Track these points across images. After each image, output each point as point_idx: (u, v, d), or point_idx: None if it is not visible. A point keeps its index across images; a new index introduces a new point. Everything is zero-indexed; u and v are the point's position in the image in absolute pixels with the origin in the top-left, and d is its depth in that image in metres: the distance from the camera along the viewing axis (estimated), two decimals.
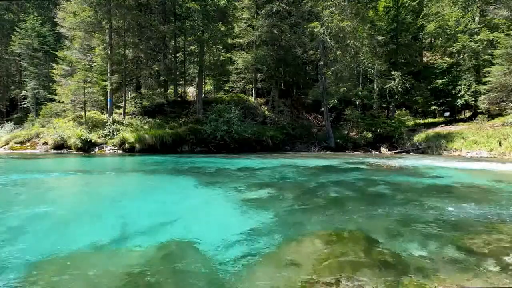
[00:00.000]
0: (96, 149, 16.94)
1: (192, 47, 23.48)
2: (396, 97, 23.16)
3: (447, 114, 23.36)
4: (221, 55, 24.51)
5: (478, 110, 20.89)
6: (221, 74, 25.26)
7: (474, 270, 2.92)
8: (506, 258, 3.18)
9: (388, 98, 23.31)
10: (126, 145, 16.83)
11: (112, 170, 10.95)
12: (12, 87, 32.45)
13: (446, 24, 22.14)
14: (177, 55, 23.45)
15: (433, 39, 28.41)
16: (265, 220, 4.58)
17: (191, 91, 26.88)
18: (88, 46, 20.91)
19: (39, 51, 27.94)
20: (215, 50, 23.62)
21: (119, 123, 18.60)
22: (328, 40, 19.66)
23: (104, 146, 17.19)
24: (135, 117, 20.49)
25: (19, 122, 25.26)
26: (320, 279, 2.75)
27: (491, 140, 15.98)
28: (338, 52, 19.83)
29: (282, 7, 22.51)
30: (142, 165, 12.48)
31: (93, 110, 21.35)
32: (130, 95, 23.14)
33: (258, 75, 25.22)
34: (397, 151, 19.33)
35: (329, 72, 20.88)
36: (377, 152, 19.53)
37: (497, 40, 18.64)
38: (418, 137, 19.70)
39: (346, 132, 22.63)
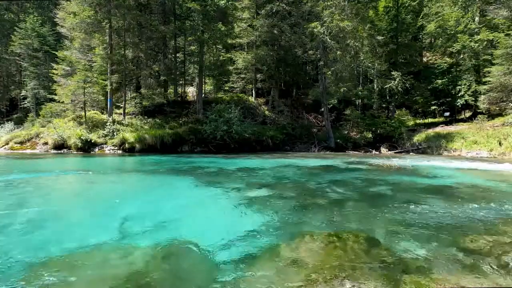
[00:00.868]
0: (96, 149, 16.94)
1: (192, 47, 23.49)
2: (396, 97, 23.16)
3: (447, 114, 23.36)
4: (221, 55, 24.52)
5: (478, 110, 20.90)
6: (221, 74, 25.27)
7: (474, 270, 2.92)
8: (506, 258, 3.18)
9: (388, 98, 23.32)
10: (126, 145, 16.83)
11: (112, 170, 10.95)
12: (12, 87, 32.45)
13: (446, 24, 22.15)
14: (177, 55, 23.46)
15: (433, 39, 28.43)
16: (265, 220, 4.58)
17: (191, 91, 26.88)
18: (88, 46, 20.91)
19: (39, 51, 27.95)
20: (215, 50, 23.64)
21: (119, 123, 18.60)
22: (328, 40, 19.67)
23: (104, 146, 17.19)
24: (135, 117, 20.49)
25: (19, 122, 25.26)
26: (320, 279, 2.75)
27: (491, 140, 15.98)
28: (338, 52, 19.84)
29: (282, 7, 22.50)
30: (142, 165, 12.48)
31: (93, 110, 21.36)
32: (130, 95, 23.14)
33: (258, 75, 25.22)
34: (397, 151, 19.33)
35: (329, 72, 20.89)
36: (377, 152, 19.53)
37: (497, 40, 18.64)
38: (418, 137, 19.70)
39: (346, 132, 22.63)
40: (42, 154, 15.80)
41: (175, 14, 22.46)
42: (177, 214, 5.15)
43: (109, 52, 19.05)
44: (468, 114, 23.31)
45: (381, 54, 23.40)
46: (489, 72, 18.67)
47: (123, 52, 19.74)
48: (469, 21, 21.16)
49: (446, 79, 22.76)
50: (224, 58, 24.76)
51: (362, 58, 22.65)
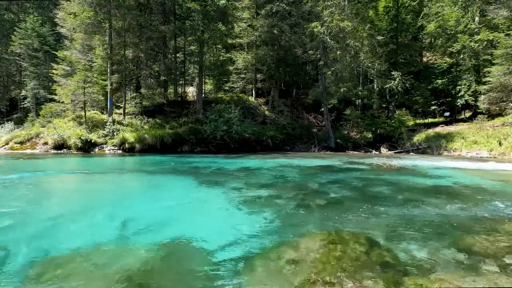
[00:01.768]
0: (96, 149, 16.94)
1: (192, 47, 23.49)
2: (396, 97, 23.16)
3: (447, 114, 23.36)
4: (221, 55, 24.52)
5: (478, 110, 20.89)
6: (221, 74, 25.27)
7: (474, 270, 2.92)
8: (506, 258, 3.18)
9: (388, 98, 23.31)
10: (126, 145, 16.83)
11: (112, 170, 10.95)
12: (12, 87, 32.45)
13: (446, 24, 22.15)
14: (177, 55, 23.46)
15: (433, 39, 28.42)
16: (265, 220, 4.58)
17: (191, 91, 26.87)
18: (88, 46, 20.92)
19: (39, 51, 27.96)
20: (215, 50, 23.63)
21: (119, 123, 18.60)
22: (328, 40, 19.66)
23: (104, 146, 17.19)
24: (135, 117, 20.49)
25: (19, 122, 25.26)
26: (320, 279, 2.75)
27: (491, 140, 15.97)
28: (338, 52, 19.83)
29: (282, 7, 22.50)
30: (142, 165, 12.49)
31: (93, 110, 21.35)
32: (130, 95, 23.14)
33: (258, 75, 25.22)
34: (397, 151, 19.33)
35: (329, 72, 20.89)
36: (377, 152, 19.53)
37: (497, 40, 18.64)
38: (418, 137, 19.69)
39: (346, 132, 22.63)
40: (42, 154, 15.79)
41: (175, 14, 22.46)
42: (177, 214, 5.15)
43: (109, 52, 19.04)
44: (468, 114, 23.31)
45: (381, 54, 23.40)
46: (489, 72, 18.67)
47: (123, 52, 19.74)
48: (469, 21, 21.16)
49: (446, 79, 22.76)
50: (224, 58, 24.77)
51: (362, 58, 22.64)
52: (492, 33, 19.42)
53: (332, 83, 21.58)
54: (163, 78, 23.43)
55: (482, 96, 19.59)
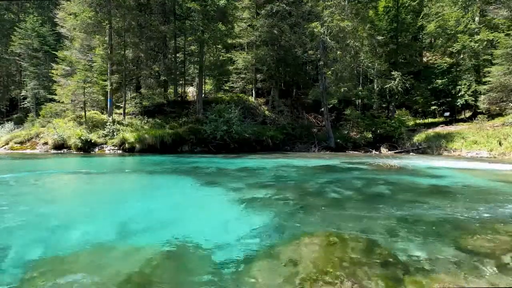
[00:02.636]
0: (96, 149, 16.94)
1: (192, 47, 23.49)
2: (396, 97, 23.16)
3: (447, 114, 23.36)
4: (221, 55, 24.52)
5: (478, 110, 20.90)
6: (221, 74, 25.28)
7: (474, 270, 2.92)
8: (506, 258, 3.18)
9: (388, 98, 23.31)
10: (126, 145, 16.84)
11: (112, 170, 10.95)
12: (12, 87, 32.46)
13: (446, 24, 22.16)
14: (177, 55, 23.46)
15: (433, 39, 28.43)
16: (265, 220, 4.58)
17: (191, 91, 26.88)
18: (88, 46, 20.93)
19: (39, 51, 27.96)
20: (215, 50, 23.64)
21: (119, 123, 18.60)
22: (328, 40, 19.67)
23: (104, 146, 17.19)
24: (135, 117, 20.50)
25: (19, 122, 25.26)
26: (320, 279, 2.75)
27: (491, 140, 15.98)
28: (338, 52, 19.84)
29: (282, 7, 22.51)
30: (142, 165, 12.49)
31: (93, 110, 21.37)
32: (130, 95, 23.16)
33: (258, 75, 25.22)
34: (397, 151, 19.33)
35: (329, 72, 20.89)
36: (377, 152, 19.53)
37: (497, 40, 18.64)
38: (418, 137, 19.70)
39: (346, 132, 22.63)
40: (42, 154, 15.80)
41: (175, 14, 22.47)
42: (177, 214, 5.15)
43: (109, 52, 19.05)
44: (468, 114, 23.31)
45: (381, 54, 23.40)
46: (489, 72, 18.68)
47: (123, 52, 19.75)
48: (469, 21, 21.16)
49: (446, 79, 22.76)
50: (224, 58, 24.77)
51: (362, 58, 22.65)
52: (492, 33, 19.43)
53: (332, 83, 21.58)
54: (163, 78, 23.44)
55: (482, 96, 19.60)
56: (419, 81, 24.53)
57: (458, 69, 22.26)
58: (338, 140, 20.95)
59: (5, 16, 34.25)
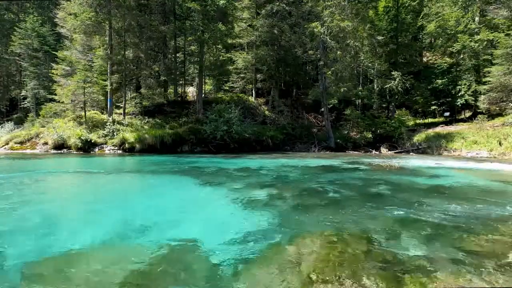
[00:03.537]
0: (96, 149, 16.94)
1: (192, 47, 23.49)
2: (396, 97, 23.16)
3: (447, 114, 23.36)
4: (221, 55, 24.51)
5: (478, 110, 20.89)
6: (221, 74, 25.27)
7: (474, 270, 2.92)
8: (506, 258, 3.18)
9: (388, 98, 23.31)
10: (126, 145, 16.83)
11: (112, 170, 10.94)
12: (12, 87, 32.45)
13: (446, 24, 22.15)
14: (177, 55, 23.46)
15: (433, 39, 28.42)
16: (265, 220, 4.58)
17: (191, 91, 26.88)
18: (88, 46, 20.92)
19: (39, 51, 27.95)
20: (215, 50, 23.63)
21: (119, 123, 18.59)
22: (328, 40, 19.67)
23: (104, 146, 17.19)
24: (135, 117, 20.49)
25: (19, 122, 25.26)
26: (320, 279, 2.76)
27: (491, 140, 15.97)
28: (338, 52, 19.83)
29: (282, 7, 22.50)
30: (142, 165, 12.49)
31: (93, 110, 21.36)
32: (130, 95, 23.14)
33: (258, 75, 25.22)
34: (397, 151, 19.33)
35: (329, 72, 20.88)
36: (377, 152, 19.53)
37: (497, 40, 18.64)
38: (418, 137, 19.69)
39: (346, 132, 22.63)
40: (42, 154, 15.80)
41: (175, 14, 22.46)
42: (177, 214, 5.15)
43: (109, 53, 19.04)
44: (468, 114, 23.30)
45: (381, 54, 23.40)
46: (489, 72, 18.67)
47: (123, 52, 19.74)
48: (469, 21, 21.15)
49: (446, 79, 22.75)
50: (224, 58, 24.76)
51: (362, 58, 22.65)
52: (492, 33, 19.42)
53: (332, 83, 21.57)
54: (163, 78, 23.43)
55: (482, 96, 19.59)
56: (419, 81, 24.53)
57: (458, 69, 22.26)
58: (338, 140, 20.95)
59: (5, 16, 34.24)
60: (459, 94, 21.69)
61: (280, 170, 10.55)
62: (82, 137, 16.69)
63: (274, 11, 22.51)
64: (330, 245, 3.59)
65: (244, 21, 25.42)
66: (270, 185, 7.65)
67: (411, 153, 18.34)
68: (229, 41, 23.88)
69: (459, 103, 21.92)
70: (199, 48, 21.85)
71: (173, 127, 19.04)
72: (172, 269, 3.05)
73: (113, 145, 17.07)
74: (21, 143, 18.21)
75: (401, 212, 4.96)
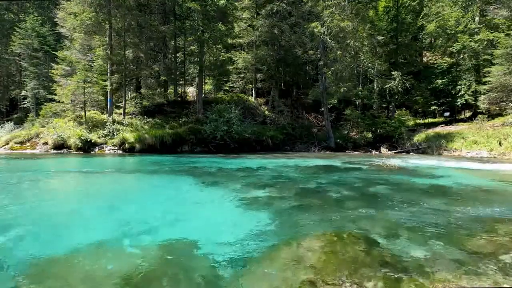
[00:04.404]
0: (96, 149, 16.94)
1: (192, 47, 23.48)
2: (396, 97, 23.16)
3: (447, 114, 23.36)
4: (221, 55, 24.52)
5: (478, 110, 20.90)
6: (221, 74, 25.27)
7: (474, 270, 2.92)
8: (506, 258, 3.18)
9: (388, 98, 23.31)
10: (126, 145, 16.83)
11: (112, 170, 10.94)
12: (12, 87, 32.44)
13: (446, 24, 22.15)
14: (177, 55, 23.46)
15: (433, 39, 28.43)
16: (265, 220, 4.58)
17: (191, 91, 26.88)
18: (88, 46, 20.92)
19: (39, 51, 27.94)
20: (215, 50, 23.62)
21: (119, 123, 18.59)
22: (328, 40, 19.66)
23: (104, 146, 17.18)
24: (135, 117, 20.49)
25: (19, 122, 25.25)
26: (320, 279, 2.75)
27: (491, 140, 15.98)
28: (338, 52, 19.82)
29: (282, 7, 22.51)
30: (142, 165, 12.49)
31: (93, 110, 21.35)
32: (130, 95, 23.14)
33: (258, 75, 25.22)
34: (397, 151, 19.33)
35: (329, 72, 20.88)
36: (377, 152, 19.53)
37: (497, 40, 18.64)
38: (418, 137, 19.69)
39: (346, 132, 22.63)
40: (42, 154, 15.80)
41: (175, 14, 22.46)
42: (177, 214, 5.15)
43: (109, 53, 19.04)
44: (468, 114, 23.30)
45: (381, 54, 23.39)
46: (489, 72, 18.67)
47: (123, 52, 19.73)
48: (469, 21, 21.16)
49: (446, 79, 22.76)
50: (224, 58, 24.76)
51: (362, 58, 22.64)
52: (492, 33, 19.42)
53: (332, 83, 21.57)
54: (163, 78, 23.43)
55: (482, 96, 19.59)
56: (419, 81, 24.53)
57: (458, 69, 22.26)
58: (338, 140, 20.95)
59: (5, 16, 34.23)
60: (459, 94, 21.70)
61: (280, 170, 10.55)
62: (82, 137, 16.69)
63: (274, 11, 22.52)
64: (330, 245, 3.59)
65: (244, 21, 25.41)
66: (270, 185, 7.65)
67: (411, 153, 18.34)
68: (229, 41, 23.88)
69: (459, 103, 21.93)
70: (199, 48, 21.85)
71: (173, 127, 19.04)
72: (172, 269, 3.05)
73: (113, 145, 17.07)
74: (21, 143, 18.21)
75: (401, 212, 4.95)
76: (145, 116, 20.43)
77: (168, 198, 6.48)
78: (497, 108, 19.71)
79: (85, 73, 18.26)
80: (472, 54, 20.75)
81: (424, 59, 30.02)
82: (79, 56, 20.73)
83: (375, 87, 24.23)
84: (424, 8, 25.29)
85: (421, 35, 28.08)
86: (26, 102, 28.34)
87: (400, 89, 21.96)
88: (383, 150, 19.82)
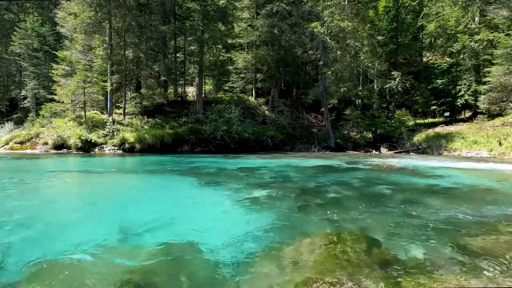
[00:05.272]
0: (96, 149, 16.93)
1: (192, 47, 23.48)
2: (396, 97, 23.16)
3: (447, 114, 23.36)
4: (221, 55, 24.52)
5: (478, 110, 20.90)
6: (221, 74, 25.26)
7: (474, 270, 2.92)
8: (505, 258, 3.18)
9: (388, 98, 23.32)
10: (126, 145, 16.83)
11: (112, 170, 10.94)
12: (12, 87, 32.44)
13: (446, 24, 22.15)
14: (177, 55, 23.46)
15: (433, 39, 28.44)
16: (265, 220, 4.58)
17: (191, 91, 26.88)
18: (88, 46, 20.91)
19: (39, 51, 27.93)
20: (215, 50, 23.63)
21: (119, 123, 18.59)
22: (328, 40, 19.66)
23: (104, 146, 17.18)
24: (135, 117, 20.49)
25: (19, 122, 25.25)
26: (320, 279, 2.75)
27: (491, 140, 15.98)
28: (338, 52, 19.82)
29: (282, 7, 22.51)
30: (142, 165, 12.48)
31: (93, 110, 21.35)
32: (130, 95, 23.15)
33: (258, 75, 25.21)
34: (397, 151, 19.33)
35: (329, 72, 20.88)
36: (377, 152, 19.53)
37: (497, 40, 18.64)
38: (418, 137, 19.69)
39: (346, 132, 22.63)
40: (42, 154, 15.80)
41: (175, 14, 22.46)
42: (178, 214, 5.15)
43: (109, 53, 19.04)
44: (468, 114, 23.30)
45: (381, 54, 23.39)
46: (489, 72, 18.66)
47: (123, 52, 19.73)
48: (469, 21, 21.16)
49: (446, 79, 22.75)
50: (224, 58, 24.76)
51: (362, 58, 22.62)
52: (492, 33, 19.42)
53: (332, 83, 21.56)
54: (163, 78, 23.43)
55: (482, 96, 19.59)
56: (419, 81, 24.53)
57: (458, 69, 22.25)
58: (338, 140, 20.95)
59: (5, 16, 34.23)
60: (459, 94, 21.69)
61: (280, 170, 10.55)
62: (82, 137, 16.69)
63: (274, 11, 22.52)
64: (330, 245, 3.59)
65: (244, 21, 25.42)
66: (270, 185, 7.65)
67: (411, 153, 18.34)
68: (229, 41, 23.89)
69: (459, 103, 21.92)
70: (199, 48, 21.85)
71: (173, 127, 19.04)
72: (172, 269, 3.05)
73: (113, 145, 17.07)
74: (21, 143, 18.20)
75: (401, 212, 4.95)
76: (145, 116, 20.43)
77: (168, 198, 6.48)
78: (497, 108, 19.69)
79: (85, 73, 18.26)
80: (472, 54, 20.75)
81: (424, 59, 30.01)
82: (79, 56, 20.72)
83: (375, 87, 24.23)
84: (424, 8, 25.30)
85: (421, 35, 28.07)
86: (26, 102, 28.34)
87: (400, 89, 21.95)
88: (383, 150, 19.82)
